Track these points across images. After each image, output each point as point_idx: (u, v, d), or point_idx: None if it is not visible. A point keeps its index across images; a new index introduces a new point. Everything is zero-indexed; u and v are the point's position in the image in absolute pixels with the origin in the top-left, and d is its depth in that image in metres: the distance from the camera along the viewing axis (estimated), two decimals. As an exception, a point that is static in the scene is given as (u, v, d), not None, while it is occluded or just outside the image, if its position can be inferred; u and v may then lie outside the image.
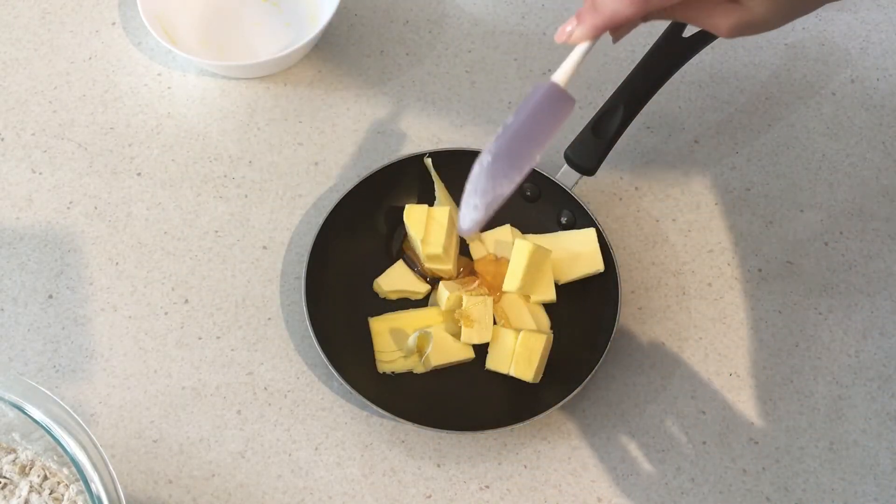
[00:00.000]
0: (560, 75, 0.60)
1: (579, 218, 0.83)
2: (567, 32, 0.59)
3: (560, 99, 0.59)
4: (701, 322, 0.82)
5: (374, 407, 0.74)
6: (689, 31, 0.81)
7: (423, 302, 0.82)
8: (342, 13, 0.96)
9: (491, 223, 0.82)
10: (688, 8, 0.59)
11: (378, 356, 0.79)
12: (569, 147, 0.81)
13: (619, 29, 0.60)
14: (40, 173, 0.87)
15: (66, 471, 0.67)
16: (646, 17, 0.60)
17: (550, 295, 0.80)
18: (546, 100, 0.59)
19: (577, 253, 0.80)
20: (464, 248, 0.83)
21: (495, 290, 0.80)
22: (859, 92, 0.93)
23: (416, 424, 0.74)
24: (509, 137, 0.59)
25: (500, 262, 0.81)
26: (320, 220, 0.81)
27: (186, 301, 0.82)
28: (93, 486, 0.61)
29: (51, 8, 0.96)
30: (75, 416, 0.63)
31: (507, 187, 0.60)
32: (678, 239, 0.85)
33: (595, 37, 0.58)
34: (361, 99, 0.91)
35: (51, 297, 0.82)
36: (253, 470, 0.75)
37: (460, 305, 0.78)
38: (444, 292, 0.79)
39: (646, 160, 0.89)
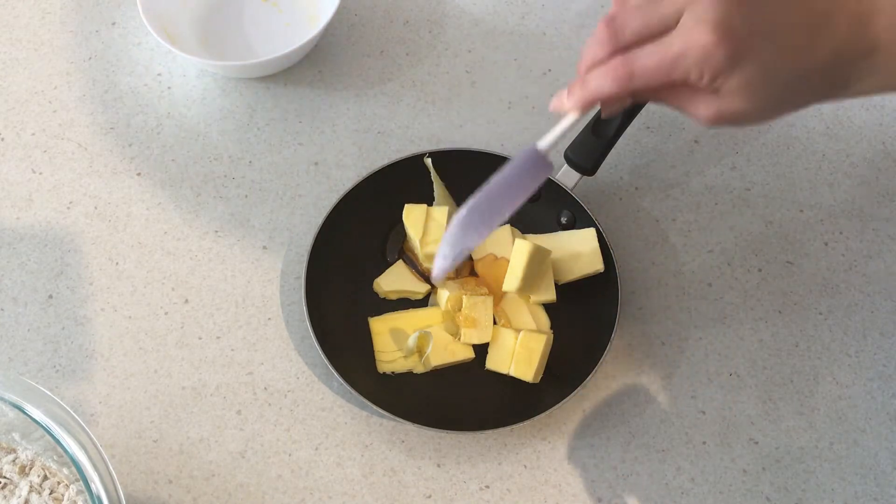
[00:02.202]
0: (544, 142, 0.63)
1: (579, 218, 0.83)
2: (560, 102, 0.62)
3: (538, 164, 0.63)
4: (701, 322, 0.82)
5: (374, 407, 0.74)
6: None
7: (423, 302, 0.82)
8: (342, 13, 0.96)
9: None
10: (672, 93, 0.61)
11: (378, 356, 0.79)
12: (569, 147, 0.82)
13: (607, 106, 0.63)
14: (40, 173, 0.87)
15: (66, 471, 0.67)
16: (634, 97, 0.63)
17: (550, 295, 0.80)
18: (525, 162, 0.63)
19: (577, 253, 0.80)
20: (464, 248, 0.83)
21: (495, 290, 0.80)
22: (859, 92, 0.93)
23: (416, 424, 0.74)
24: (485, 193, 0.63)
25: (500, 262, 0.81)
26: (320, 220, 0.81)
27: (186, 301, 0.82)
28: (93, 486, 0.61)
29: (51, 8, 0.96)
30: (75, 416, 0.63)
31: (475, 241, 0.64)
32: (678, 239, 0.85)
33: (582, 110, 0.61)
34: (361, 99, 0.91)
35: (51, 297, 0.82)
36: (253, 470, 0.75)
37: (460, 305, 0.78)
38: (444, 292, 0.79)
39: (646, 160, 0.89)
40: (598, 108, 0.63)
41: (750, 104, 0.58)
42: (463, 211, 0.63)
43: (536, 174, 0.64)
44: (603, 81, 0.59)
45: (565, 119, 0.63)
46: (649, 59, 0.57)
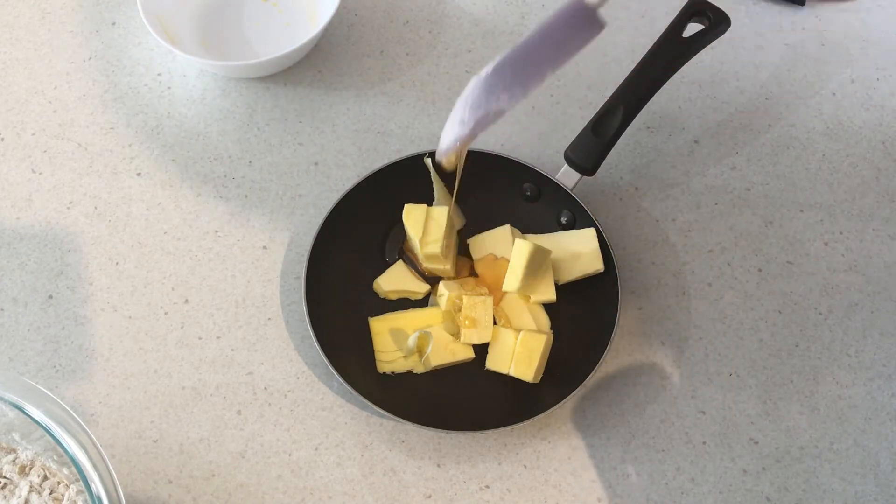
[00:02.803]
0: None
1: (579, 218, 0.83)
2: None
3: (587, 20, 0.53)
4: (701, 322, 0.82)
5: (374, 407, 0.74)
6: (689, 31, 0.81)
7: (423, 302, 0.82)
8: (342, 13, 0.96)
9: (491, 223, 0.83)
10: None
11: (378, 356, 0.79)
12: (569, 147, 0.82)
13: None
14: (40, 173, 0.87)
15: (66, 471, 0.67)
16: None
17: (550, 295, 0.80)
18: (572, 17, 0.52)
19: (577, 253, 0.80)
20: (463, 248, 0.83)
21: (495, 290, 0.80)
22: (859, 92, 0.93)
23: (416, 424, 0.74)
24: (519, 48, 0.52)
25: (500, 262, 0.81)
26: (320, 220, 0.81)
27: (186, 301, 0.82)
28: (93, 486, 0.61)
29: (51, 8, 0.96)
30: (75, 416, 0.63)
31: (505, 103, 0.53)
32: (678, 239, 0.85)
33: None
34: (361, 99, 0.91)
35: (51, 297, 0.82)
36: (253, 470, 0.75)
37: (460, 306, 0.78)
38: (444, 292, 0.79)
39: (646, 160, 0.89)
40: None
41: None
42: (489, 67, 0.52)
43: (584, 32, 0.53)
44: None
45: None
46: None
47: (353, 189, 0.82)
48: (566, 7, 0.52)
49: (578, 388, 0.75)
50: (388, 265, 0.83)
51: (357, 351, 0.79)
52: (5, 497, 0.66)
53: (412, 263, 0.83)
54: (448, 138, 0.54)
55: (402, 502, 0.75)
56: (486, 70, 0.52)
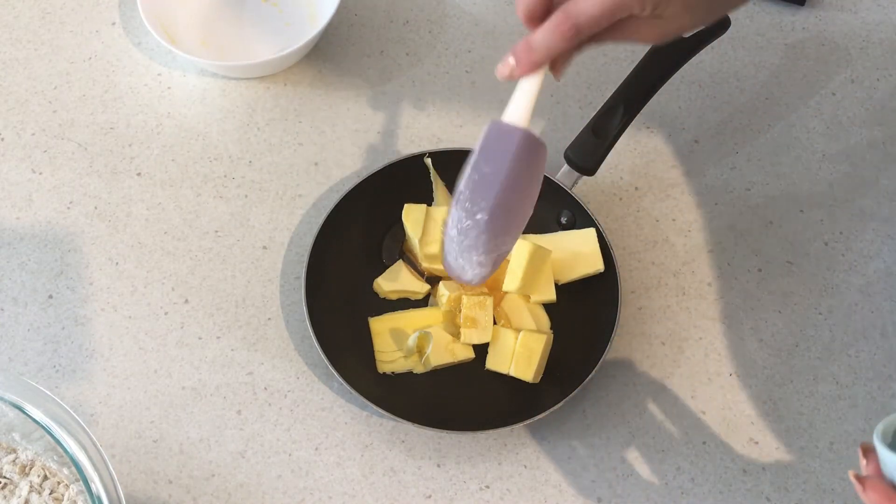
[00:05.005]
0: (519, 117, 0.60)
1: (579, 218, 0.83)
2: (508, 70, 0.59)
3: (535, 147, 0.60)
4: (701, 322, 0.82)
5: (374, 407, 0.74)
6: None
7: (423, 302, 0.82)
8: (342, 13, 0.96)
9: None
10: (614, 31, 0.60)
11: (378, 356, 0.79)
12: (569, 147, 0.82)
13: (556, 64, 0.61)
14: (40, 173, 0.87)
15: (66, 471, 0.67)
16: (579, 47, 0.61)
17: (550, 295, 0.80)
18: (523, 151, 0.60)
19: (577, 253, 0.80)
20: (464, 248, 0.83)
21: (495, 290, 0.80)
22: (859, 92, 0.93)
23: (416, 424, 0.74)
24: (499, 193, 0.59)
25: (501, 263, 0.81)
26: (320, 220, 0.81)
27: (186, 301, 0.82)
28: (93, 486, 0.61)
29: (51, 8, 0.96)
30: (75, 416, 0.63)
31: (510, 244, 0.63)
32: (678, 239, 0.85)
33: (534, 72, 0.59)
34: (361, 99, 0.91)
35: (51, 297, 0.82)
36: (253, 470, 0.75)
37: (460, 306, 0.78)
38: (444, 292, 0.79)
39: (646, 160, 0.89)
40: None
41: (691, 20, 0.60)
42: (482, 216, 0.59)
43: (538, 158, 0.61)
44: (551, 39, 0.57)
45: (525, 88, 0.60)
46: (592, 8, 0.56)
47: (353, 189, 0.82)
48: (513, 141, 0.59)
49: (578, 388, 0.75)
50: (386, 266, 0.83)
51: (357, 351, 0.79)
52: (5, 497, 0.66)
53: (412, 263, 0.83)
54: (471, 275, 0.64)
55: (402, 502, 0.75)
56: (482, 217, 0.59)
